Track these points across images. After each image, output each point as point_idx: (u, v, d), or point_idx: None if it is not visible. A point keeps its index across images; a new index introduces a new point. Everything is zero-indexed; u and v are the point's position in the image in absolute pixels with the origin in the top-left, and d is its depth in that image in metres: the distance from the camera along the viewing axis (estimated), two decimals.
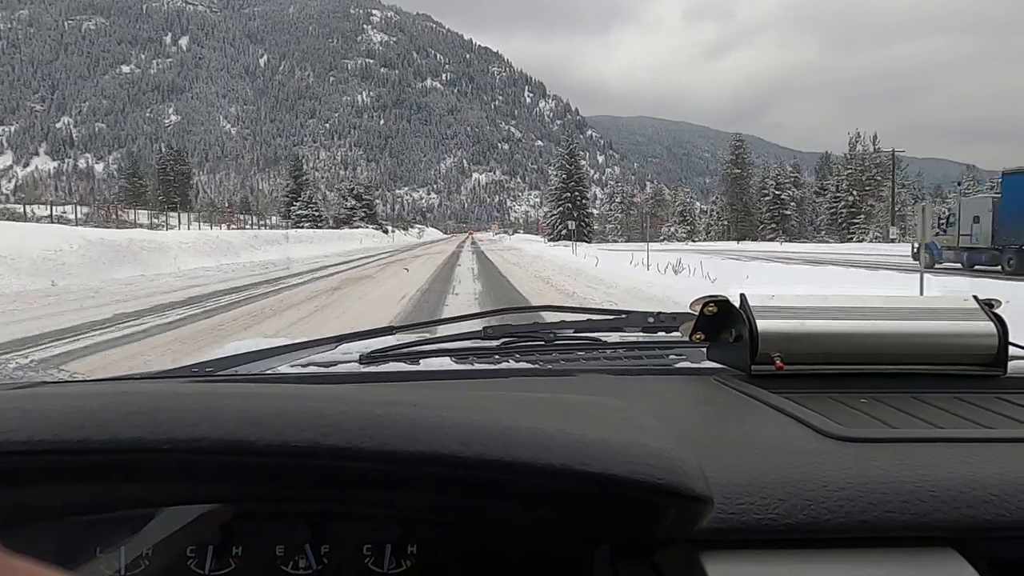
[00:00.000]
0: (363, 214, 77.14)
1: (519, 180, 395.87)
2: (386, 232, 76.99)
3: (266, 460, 0.45)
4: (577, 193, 68.41)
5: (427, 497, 0.49)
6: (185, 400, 0.48)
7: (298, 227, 70.29)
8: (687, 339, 1.00)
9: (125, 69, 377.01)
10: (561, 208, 66.52)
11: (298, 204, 76.02)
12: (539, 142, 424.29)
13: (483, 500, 0.49)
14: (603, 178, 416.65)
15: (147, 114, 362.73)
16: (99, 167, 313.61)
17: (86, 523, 0.53)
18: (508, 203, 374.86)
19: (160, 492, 0.49)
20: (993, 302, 0.93)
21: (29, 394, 0.52)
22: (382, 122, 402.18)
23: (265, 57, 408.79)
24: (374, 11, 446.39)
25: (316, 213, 73.54)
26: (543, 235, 71.00)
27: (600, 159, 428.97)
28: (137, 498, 0.50)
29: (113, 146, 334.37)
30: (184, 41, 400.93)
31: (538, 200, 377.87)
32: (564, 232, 64.31)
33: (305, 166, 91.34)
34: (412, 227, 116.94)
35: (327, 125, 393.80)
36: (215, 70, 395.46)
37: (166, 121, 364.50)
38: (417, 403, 0.51)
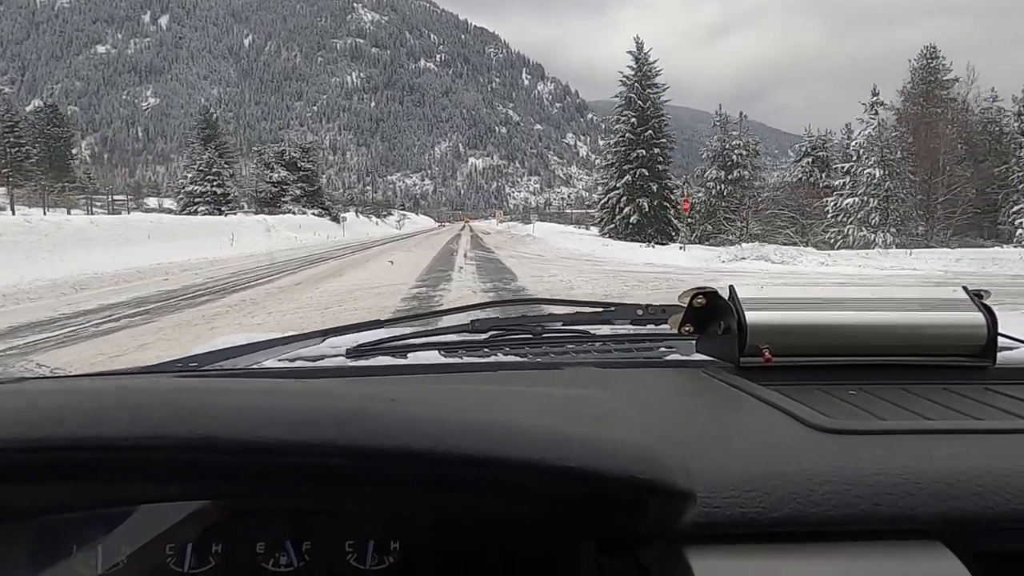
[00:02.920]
0: (299, 192, 47.51)
1: (518, 165, 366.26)
2: (337, 220, 47.65)
3: (234, 457, 0.43)
4: (656, 150, 36.56)
5: (402, 493, 0.47)
6: (151, 396, 0.47)
7: (188, 212, 40.82)
8: (676, 331, 0.97)
9: (101, 49, 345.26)
10: (627, 178, 36.87)
11: (191, 175, 46.29)
12: (538, 126, 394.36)
13: (458, 496, 0.48)
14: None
15: (124, 96, 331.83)
16: (72, 151, 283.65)
17: (62, 521, 0.51)
18: (507, 189, 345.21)
19: (130, 490, 0.47)
20: (982, 292, 0.91)
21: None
22: (373, 104, 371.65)
23: (250, 37, 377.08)
24: None
25: (219, 190, 43.96)
26: (600, 226, 41.12)
27: (602, 143, 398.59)
28: (107, 497, 0.48)
29: (87, 131, 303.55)
30: (164, 20, 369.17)
31: (538, 186, 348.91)
32: (635, 221, 35.38)
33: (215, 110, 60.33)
34: (391, 214, 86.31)
35: (315, 108, 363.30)
36: (196, 50, 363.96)
37: (144, 104, 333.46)
38: (394, 398, 0.50)
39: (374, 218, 67.89)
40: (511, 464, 0.45)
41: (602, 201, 38.94)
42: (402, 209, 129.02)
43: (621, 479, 0.46)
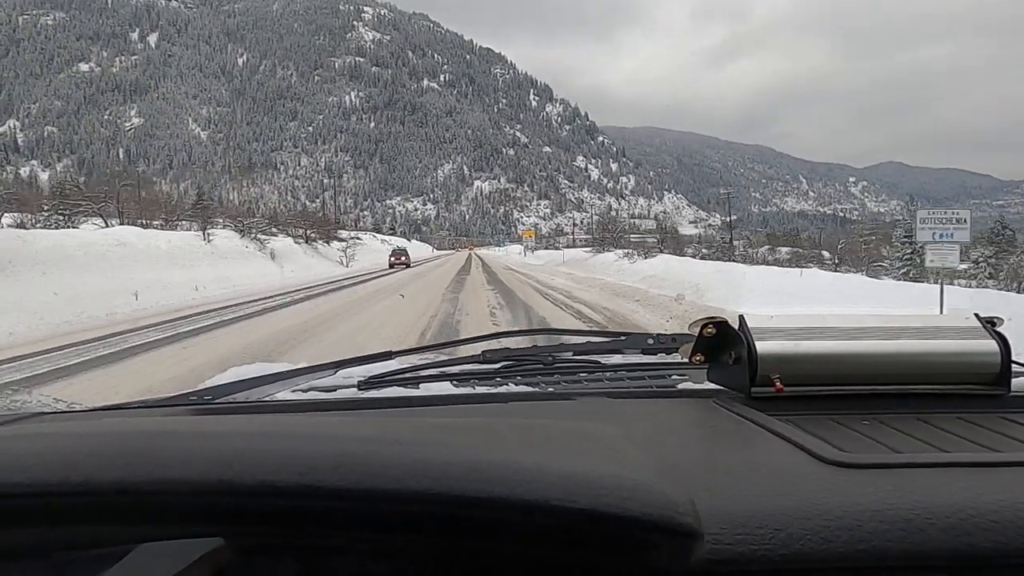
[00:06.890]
0: None
1: (527, 189, 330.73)
2: None
3: (236, 500, 0.43)
4: None
5: (404, 535, 0.46)
6: (146, 440, 0.46)
7: None
8: (687, 361, 0.95)
9: (84, 67, 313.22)
10: None
11: None
12: (547, 148, 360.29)
13: (461, 537, 0.46)
14: (618, 187, 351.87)
15: (105, 116, 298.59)
16: (45, 175, 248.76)
17: (72, 559, 0.49)
18: (515, 214, 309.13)
19: (129, 530, 0.46)
20: (995, 320, 0.88)
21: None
22: (372, 125, 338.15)
23: (244, 56, 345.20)
24: (365, 7, 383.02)
25: None
26: None
27: (614, 167, 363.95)
28: (109, 536, 0.47)
29: (64, 152, 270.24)
30: (153, 38, 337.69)
31: (548, 211, 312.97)
32: None
33: None
34: (339, 237, 46.66)
35: (310, 128, 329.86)
36: (186, 69, 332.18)
37: (126, 124, 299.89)
38: (400, 440, 0.49)
39: (270, 244, 29.16)
40: (511, 504, 0.44)
41: None
42: (383, 233, 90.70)
43: (624, 519, 0.44)
